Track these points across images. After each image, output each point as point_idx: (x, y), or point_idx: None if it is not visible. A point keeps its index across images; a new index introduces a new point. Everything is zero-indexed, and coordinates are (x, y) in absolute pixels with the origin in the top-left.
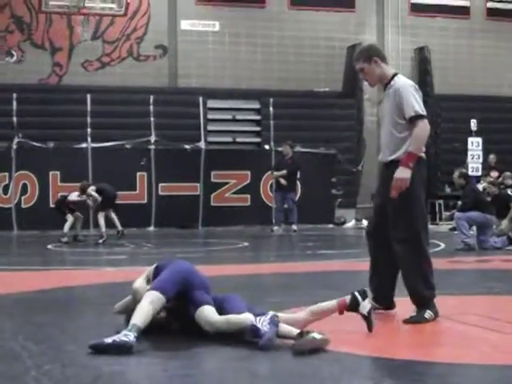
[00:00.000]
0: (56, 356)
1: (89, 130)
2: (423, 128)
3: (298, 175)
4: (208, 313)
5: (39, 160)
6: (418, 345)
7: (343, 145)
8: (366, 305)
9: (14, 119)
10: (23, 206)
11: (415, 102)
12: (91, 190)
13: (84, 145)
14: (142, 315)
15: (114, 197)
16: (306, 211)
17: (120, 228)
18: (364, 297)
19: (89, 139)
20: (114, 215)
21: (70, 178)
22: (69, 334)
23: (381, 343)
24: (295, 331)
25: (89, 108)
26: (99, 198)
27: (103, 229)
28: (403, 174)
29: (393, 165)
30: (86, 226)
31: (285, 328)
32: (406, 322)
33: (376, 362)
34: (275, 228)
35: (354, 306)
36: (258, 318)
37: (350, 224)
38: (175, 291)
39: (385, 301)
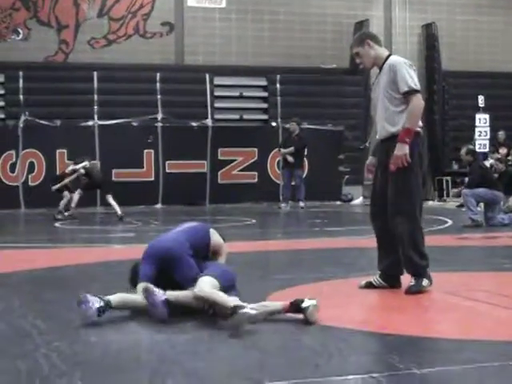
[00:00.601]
0: (65, 333)
1: (95, 107)
2: (417, 103)
3: (306, 152)
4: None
5: (46, 138)
6: (425, 321)
7: (350, 122)
8: (308, 302)
9: (21, 97)
10: (30, 183)
11: (409, 77)
12: (81, 165)
13: (91, 122)
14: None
15: (101, 182)
16: (314, 188)
17: (119, 212)
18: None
19: (95, 117)
20: (111, 200)
21: (78, 156)
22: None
23: (387, 320)
24: (231, 304)
25: (95, 85)
26: (73, 175)
27: (73, 204)
28: (401, 150)
29: (393, 138)
30: (93, 204)
31: (221, 298)
32: (408, 292)
33: (383, 338)
34: (282, 205)
35: (297, 306)
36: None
37: (358, 201)
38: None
39: (392, 280)
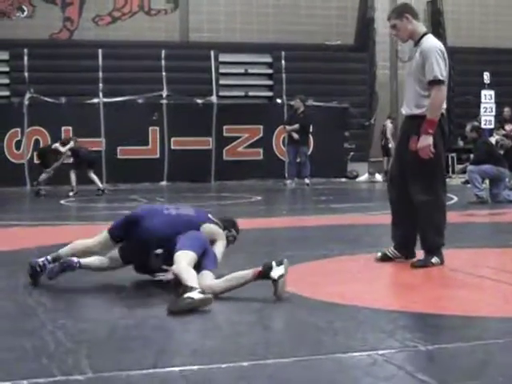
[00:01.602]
0: (70, 310)
1: (100, 85)
2: (439, 95)
3: (311, 129)
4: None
5: (51, 115)
6: (432, 298)
7: (355, 98)
8: (278, 270)
9: (26, 74)
10: (36, 161)
11: (436, 67)
12: (67, 147)
13: (96, 100)
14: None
15: (89, 160)
16: (319, 165)
17: (100, 186)
18: (279, 264)
19: (100, 94)
20: (93, 175)
21: (82, 133)
22: (83, 288)
23: (393, 297)
24: (185, 283)
25: (100, 63)
26: (62, 150)
27: (74, 183)
28: (425, 141)
29: (414, 119)
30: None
31: (184, 276)
32: (414, 265)
33: (389, 315)
34: (288, 182)
35: (266, 273)
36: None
37: (363, 178)
38: None
39: (406, 250)
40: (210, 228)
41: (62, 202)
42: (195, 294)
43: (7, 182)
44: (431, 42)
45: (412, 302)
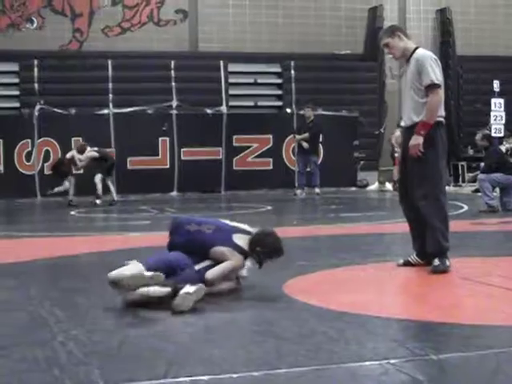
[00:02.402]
0: (82, 321)
1: (110, 95)
2: (435, 99)
3: (321, 138)
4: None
5: (61, 126)
6: (442, 306)
7: (365, 108)
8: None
9: (36, 86)
10: (46, 172)
11: (432, 72)
12: (90, 152)
13: (106, 111)
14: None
15: (113, 164)
16: (329, 174)
17: (115, 198)
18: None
19: (110, 105)
20: (111, 184)
21: (92, 144)
22: (94, 299)
23: (404, 306)
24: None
25: (110, 74)
26: (81, 158)
27: (100, 191)
28: (415, 140)
29: (415, 127)
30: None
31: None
32: (435, 272)
33: (400, 324)
34: (298, 191)
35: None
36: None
37: (373, 186)
38: None
39: (427, 257)
40: (216, 253)
41: (73, 212)
42: (189, 288)
43: (18, 194)
44: (423, 51)
45: (423, 310)
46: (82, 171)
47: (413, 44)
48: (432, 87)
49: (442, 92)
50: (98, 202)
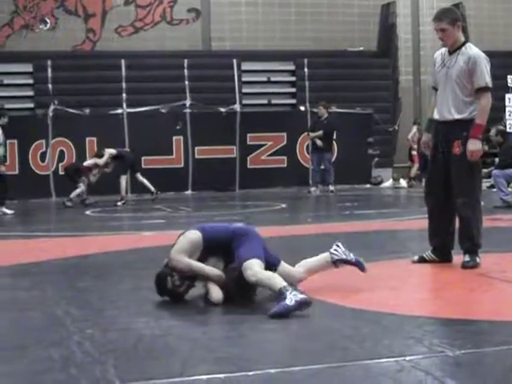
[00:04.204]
0: (98, 320)
1: (124, 95)
2: (488, 101)
3: (335, 136)
4: (257, 266)
5: (75, 126)
6: (458, 303)
7: (379, 104)
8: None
9: (50, 86)
10: (61, 172)
11: (486, 74)
12: (108, 153)
13: (119, 110)
14: (276, 277)
15: (134, 160)
16: (343, 172)
17: (153, 189)
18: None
19: (124, 105)
20: (142, 178)
21: (107, 144)
22: (109, 298)
23: (420, 302)
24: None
25: (123, 73)
26: (101, 162)
27: (123, 192)
28: (475, 146)
29: (457, 123)
30: (107, 192)
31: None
32: (464, 267)
33: (415, 320)
34: (312, 189)
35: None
36: (292, 290)
37: (387, 183)
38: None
39: (443, 255)
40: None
41: (88, 212)
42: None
43: (33, 194)
44: (476, 50)
45: (438, 307)
46: (109, 170)
47: (462, 36)
48: (485, 90)
49: (490, 95)
50: (119, 203)
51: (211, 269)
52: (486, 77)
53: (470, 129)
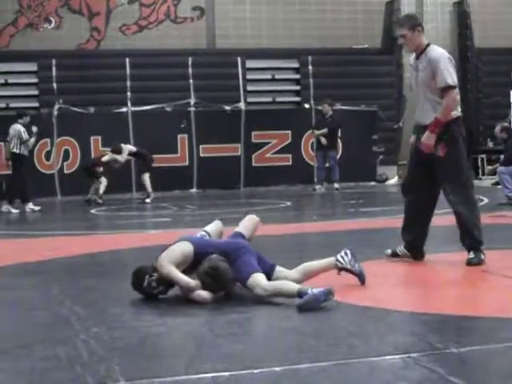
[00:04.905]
0: (103, 319)
1: (128, 93)
2: (451, 99)
3: (339, 133)
4: (261, 280)
5: (80, 125)
6: (463, 299)
7: (383, 102)
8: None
9: (54, 85)
10: (66, 171)
11: (447, 73)
12: (127, 149)
13: (124, 109)
14: (287, 283)
15: (152, 161)
16: (348, 169)
17: (150, 192)
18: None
19: (129, 103)
20: (148, 180)
21: (112, 143)
22: (114, 297)
23: (424, 299)
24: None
25: (128, 72)
26: (120, 158)
27: (150, 189)
28: (428, 140)
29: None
30: (121, 190)
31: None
32: (469, 264)
33: (420, 317)
34: (317, 187)
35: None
36: (309, 287)
37: (393, 181)
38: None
39: (415, 251)
40: None
41: (93, 211)
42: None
43: (38, 193)
44: (437, 50)
45: (443, 304)
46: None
47: (425, 39)
48: (448, 89)
49: (457, 92)
50: (147, 200)
51: (189, 280)
52: (447, 76)
53: (449, 129)
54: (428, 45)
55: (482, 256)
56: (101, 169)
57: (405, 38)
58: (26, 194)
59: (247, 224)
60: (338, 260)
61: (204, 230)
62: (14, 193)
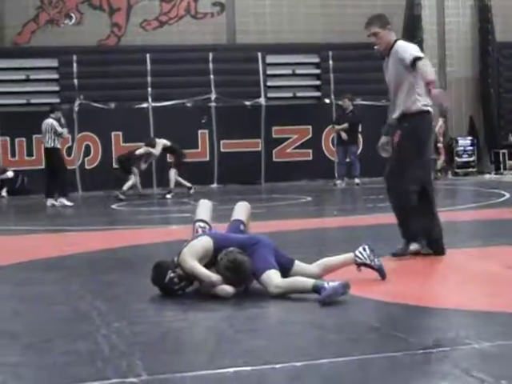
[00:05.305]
0: (124, 314)
1: (149, 89)
2: (425, 64)
3: (360, 128)
4: (275, 277)
5: (101, 121)
6: (486, 295)
7: None
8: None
9: (75, 81)
10: (87, 167)
11: (412, 49)
12: (162, 143)
13: (145, 104)
14: (300, 278)
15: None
16: (369, 164)
17: (172, 188)
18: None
19: (149, 99)
20: (175, 176)
21: (132, 138)
22: (136, 291)
23: (445, 295)
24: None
25: (148, 68)
26: (155, 152)
27: (172, 185)
28: (439, 93)
29: (402, 117)
30: (142, 186)
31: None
32: (393, 255)
33: (441, 313)
34: (338, 182)
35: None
36: (326, 281)
37: None
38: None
39: (434, 245)
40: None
41: (114, 206)
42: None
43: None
44: (403, 43)
45: (465, 299)
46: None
47: (393, 36)
48: (416, 60)
49: (428, 60)
50: (168, 196)
51: (212, 275)
52: (412, 51)
53: (412, 119)
54: (395, 41)
55: (412, 247)
56: (142, 165)
57: (376, 36)
58: (57, 188)
59: (241, 210)
60: (356, 255)
61: (202, 220)
62: (59, 187)
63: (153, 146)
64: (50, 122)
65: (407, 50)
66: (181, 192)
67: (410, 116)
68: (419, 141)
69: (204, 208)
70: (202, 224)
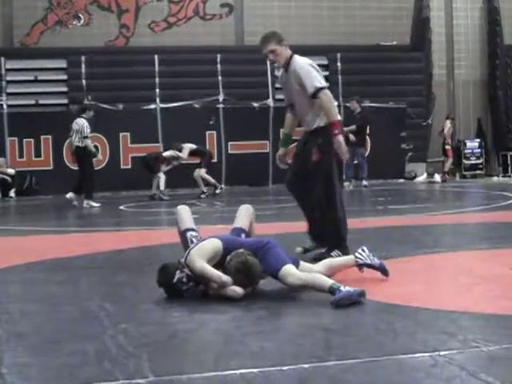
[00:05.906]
0: (132, 315)
1: (157, 90)
2: (327, 98)
3: (368, 130)
4: (295, 270)
5: (109, 122)
6: (492, 298)
7: (412, 99)
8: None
9: (83, 82)
10: (95, 167)
11: (313, 78)
12: (188, 148)
13: (153, 106)
14: (321, 276)
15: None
16: (377, 166)
17: (204, 189)
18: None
19: (157, 100)
20: (203, 175)
21: (140, 139)
22: (143, 293)
23: (453, 297)
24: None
25: (156, 69)
26: (182, 156)
27: (203, 187)
28: (339, 143)
29: (319, 130)
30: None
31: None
32: (315, 259)
33: (450, 315)
34: (346, 184)
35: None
36: (342, 284)
37: (421, 178)
38: None
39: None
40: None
41: (122, 207)
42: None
43: (67, 189)
44: (299, 60)
45: (473, 302)
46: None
47: (289, 52)
48: (318, 92)
49: (329, 92)
50: (217, 191)
51: (222, 275)
52: (313, 81)
53: (326, 134)
54: (291, 56)
55: (333, 253)
56: (163, 168)
57: (274, 52)
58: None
59: (244, 215)
60: (357, 257)
61: (191, 229)
62: (90, 187)
63: (179, 150)
64: (82, 122)
65: (307, 74)
66: (191, 193)
67: (321, 130)
68: (330, 147)
69: (186, 215)
70: (194, 233)
